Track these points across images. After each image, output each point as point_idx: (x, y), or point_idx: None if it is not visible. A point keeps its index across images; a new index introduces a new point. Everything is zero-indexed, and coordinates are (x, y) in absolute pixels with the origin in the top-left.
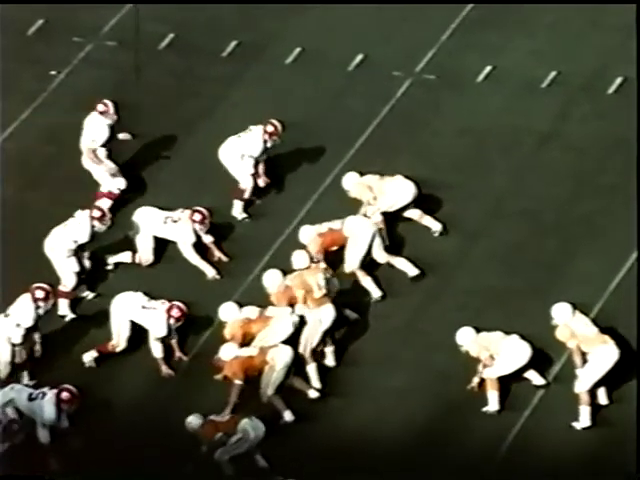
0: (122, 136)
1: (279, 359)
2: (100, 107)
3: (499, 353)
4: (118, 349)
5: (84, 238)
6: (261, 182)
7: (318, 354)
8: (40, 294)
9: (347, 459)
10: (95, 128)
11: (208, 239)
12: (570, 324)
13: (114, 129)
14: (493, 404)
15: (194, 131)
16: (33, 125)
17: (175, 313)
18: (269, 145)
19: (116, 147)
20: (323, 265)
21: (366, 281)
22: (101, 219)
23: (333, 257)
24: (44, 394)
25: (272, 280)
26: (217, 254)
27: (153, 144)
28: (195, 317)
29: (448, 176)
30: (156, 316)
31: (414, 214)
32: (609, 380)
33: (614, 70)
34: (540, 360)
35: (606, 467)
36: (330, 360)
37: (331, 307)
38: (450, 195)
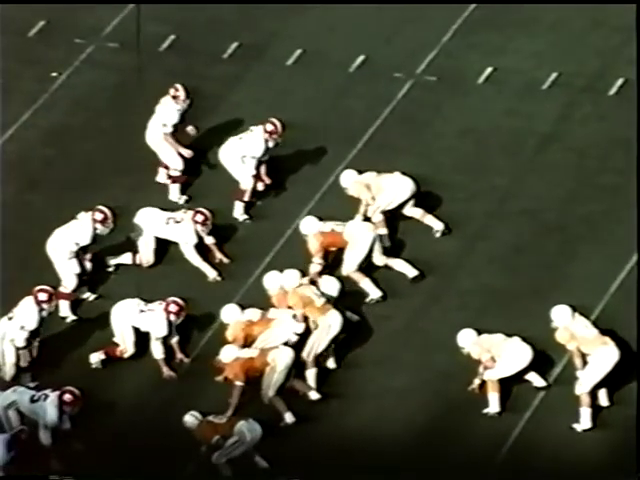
0: (189, 129)
1: (280, 360)
2: (172, 91)
3: (500, 355)
4: (127, 354)
5: (86, 240)
6: (260, 186)
7: (320, 358)
8: (43, 296)
9: (348, 460)
10: (166, 112)
11: (210, 240)
12: (570, 326)
13: (184, 115)
14: (494, 406)
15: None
16: (33, 126)
17: (172, 308)
18: (270, 145)
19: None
20: (318, 267)
21: (364, 283)
22: (103, 222)
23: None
24: (46, 396)
25: (273, 282)
26: (218, 255)
27: None
28: (196, 318)
29: (449, 177)
30: (155, 317)
31: (416, 213)
32: (610, 382)
33: (615, 71)
34: (541, 362)
35: (606, 468)
36: (331, 363)
37: (337, 313)
38: (451, 196)
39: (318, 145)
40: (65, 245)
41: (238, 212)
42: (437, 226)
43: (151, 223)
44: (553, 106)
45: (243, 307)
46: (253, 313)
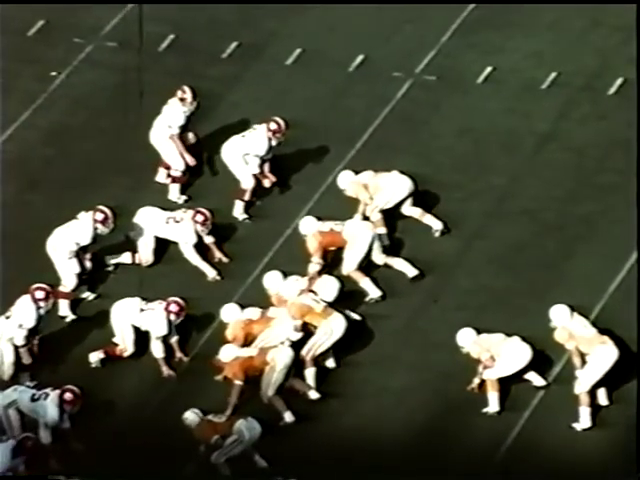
0: (190, 136)
1: (279, 360)
2: (179, 93)
3: (500, 354)
4: (126, 354)
5: (86, 240)
6: (267, 183)
7: (319, 358)
8: (40, 294)
9: (347, 459)
10: (172, 114)
11: (209, 240)
12: (568, 326)
13: (190, 118)
14: (493, 405)
15: (194, 131)
16: (33, 126)
17: (173, 308)
18: (274, 143)
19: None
20: (317, 267)
21: (364, 282)
22: (104, 222)
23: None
24: (47, 395)
25: (273, 282)
26: (218, 255)
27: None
28: (196, 317)
29: (448, 176)
30: (155, 316)
31: (415, 212)
32: (609, 381)
33: (614, 71)
34: (540, 361)
35: (606, 468)
36: (330, 362)
37: (340, 317)
38: (450, 195)
39: (317, 145)
40: (65, 245)
41: (238, 211)
42: (436, 225)
43: (151, 222)
44: (552, 105)
45: (243, 306)
46: (253, 312)
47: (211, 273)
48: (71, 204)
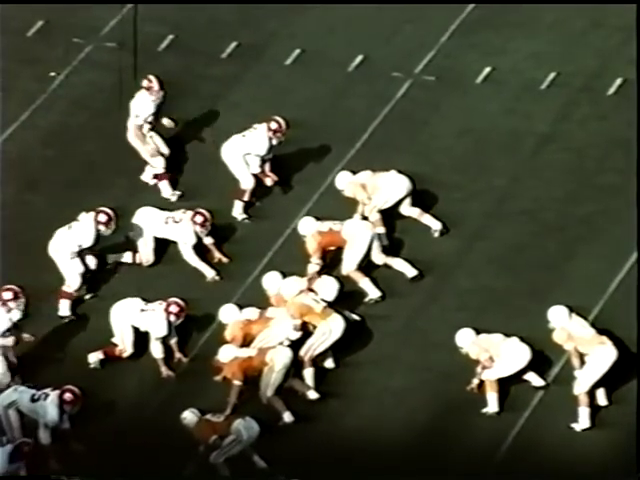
0: (165, 122)
1: (278, 360)
2: (145, 82)
3: (499, 355)
4: (125, 354)
5: (88, 242)
6: (268, 182)
7: (317, 359)
8: (8, 295)
9: (347, 460)
10: (139, 104)
11: (208, 241)
12: (567, 327)
13: (160, 107)
14: (492, 406)
15: (194, 132)
16: (33, 126)
17: (173, 309)
18: (274, 143)
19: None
20: (316, 267)
21: (364, 282)
22: (107, 224)
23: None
24: (47, 395)
25: (272, 282)
26: (217, 255)
27: None
28: (195, 318)
29: (448, 177)
30: (155, 317)
31: (414, 212)
32: (609, 381)
33: (614, 71)
34: (539, 361)
35: (606, 468)
36: (329, 362)
37: (339, 317)
38: (450, 196)
39: (317, 145)
40: (67, 246)
41: (237, 211)
42: (435, 225)
43: (150, 223)
44: (552, 106)
45: (241, 307)
46: (251, 312)
47: (210, 273)
48: (71, 204)
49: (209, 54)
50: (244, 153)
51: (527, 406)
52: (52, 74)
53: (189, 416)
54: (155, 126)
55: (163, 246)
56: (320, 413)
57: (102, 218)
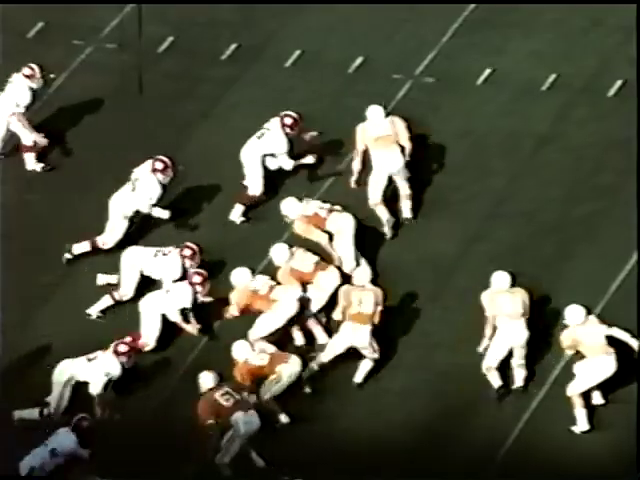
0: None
1: (286, 373)
2: (26, 71)
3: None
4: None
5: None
6: (311, 159)
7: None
8: (123, 348)
9: (347, 460)
10: (19, 91)
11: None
12: (577, 330)
13: (36, 93)
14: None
15: (194, 133)
16: (33, 126)
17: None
18: (291, 137)
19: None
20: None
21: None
22: (164, 171)
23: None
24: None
25: (280, 254)
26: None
27: (155, 147)
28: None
29: (448, 177)
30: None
31: (404, 189)
32: (609, 382)
33: (613, 72)
34: (538, 362)
35: (606, 468)
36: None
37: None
38: (449, 196)
39: (316, 146)
40: (131, 205)
41: (236, 215)
42: (406, 214)
43: (139, 259)
44: (551, 107)
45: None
46: (262, 282)
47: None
48: (71, 204)
49: (209, 55)
50: (263, 154)
51: (527, 408)
52: (52, 76)
53: (206, 378)
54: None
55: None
56: (320, 414)
57: (159, 166)
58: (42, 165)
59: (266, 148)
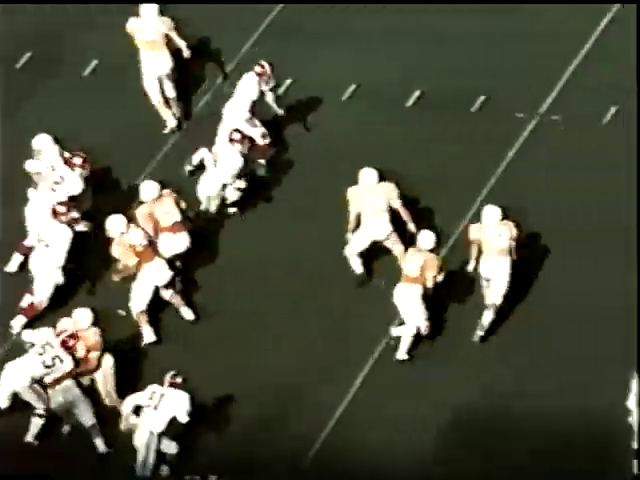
0: None
1: (106, 366)
2: None
3: None
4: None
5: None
6: (260, 140)
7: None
8: None
9: None
10: None
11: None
12: (484, 230)
13: None
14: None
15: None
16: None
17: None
18: (264, 87)
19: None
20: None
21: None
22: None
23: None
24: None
25: (148, 190)
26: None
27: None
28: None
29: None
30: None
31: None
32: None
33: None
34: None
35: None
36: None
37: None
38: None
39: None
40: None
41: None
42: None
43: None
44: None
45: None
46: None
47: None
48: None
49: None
50: (243, 109)
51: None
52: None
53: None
54: None
55: None
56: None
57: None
58: None
59: (242, 100)
